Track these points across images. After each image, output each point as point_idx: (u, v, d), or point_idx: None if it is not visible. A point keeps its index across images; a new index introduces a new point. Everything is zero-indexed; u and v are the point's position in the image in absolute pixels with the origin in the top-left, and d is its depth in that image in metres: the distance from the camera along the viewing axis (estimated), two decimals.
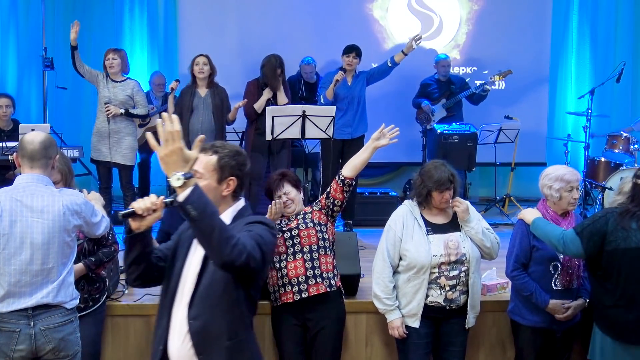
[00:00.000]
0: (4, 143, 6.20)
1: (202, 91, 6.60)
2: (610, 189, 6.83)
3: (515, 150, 8.07)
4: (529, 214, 3.95)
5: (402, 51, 6.93)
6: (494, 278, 4.75)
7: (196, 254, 2.74)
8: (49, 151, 3.41)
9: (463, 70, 8.83)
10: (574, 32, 9.39)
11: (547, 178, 3.92)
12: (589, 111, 8.10)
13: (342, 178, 4.00)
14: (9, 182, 3.73)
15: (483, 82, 7.94)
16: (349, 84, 6.92)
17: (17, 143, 5.83)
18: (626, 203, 3.64)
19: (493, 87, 8.04)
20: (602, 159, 7.72)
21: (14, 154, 3.79)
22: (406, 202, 4.10)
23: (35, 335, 3.31)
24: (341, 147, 6.81)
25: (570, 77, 9.43)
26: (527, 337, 4.06)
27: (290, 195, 4.09)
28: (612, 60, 9.06)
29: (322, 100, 6.79)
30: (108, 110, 6.47)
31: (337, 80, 6.65)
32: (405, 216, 4.01)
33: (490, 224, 4.16)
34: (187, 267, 2.75)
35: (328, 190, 4.06)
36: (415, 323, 3.96)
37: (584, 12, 9.35)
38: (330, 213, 4.08)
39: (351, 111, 6.85)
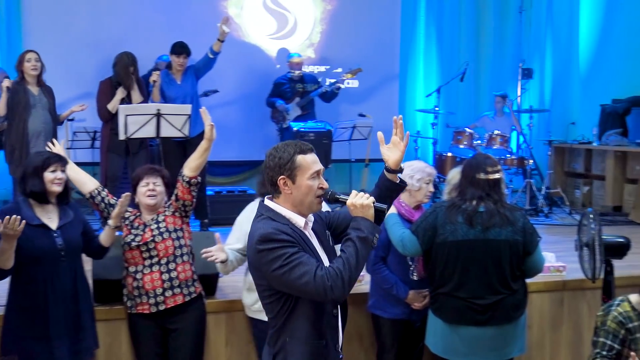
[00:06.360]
0: None
1: (34, 89, 6.21)
2: None
3: (369, 146, 8.27)
4: None
5: (218, 39, 6.81)
6: None
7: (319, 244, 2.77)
8: None
9: (318, 68, 8.99)
10: (421, 32, 9.82)
11: (410, 168, 4.02)
12: (436, 109, 8.55)
13: (187, 179, 3.91)
14: None
15: (335, 80, 8.12)
16: (179, 82, 6.81)
17: None
18: (454, 197, 3.83)
19: (347, 85, 8.23)
20: (449, 154, 8.16)
21: None
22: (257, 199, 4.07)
23: None
24: (183, 146, 6.53)
25: (419, 75, 9.85)
26: (389, 329, 4.15)
27: (158, 188, 3.95)
28: (457, 60, 9.56)
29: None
30: None
31: (154, 81, 6.53)
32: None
33: None
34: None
35: (175, 192, 3.96)
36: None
37: (431, 13, 9.81)
38: (183, 215, 4.01)
39: None
